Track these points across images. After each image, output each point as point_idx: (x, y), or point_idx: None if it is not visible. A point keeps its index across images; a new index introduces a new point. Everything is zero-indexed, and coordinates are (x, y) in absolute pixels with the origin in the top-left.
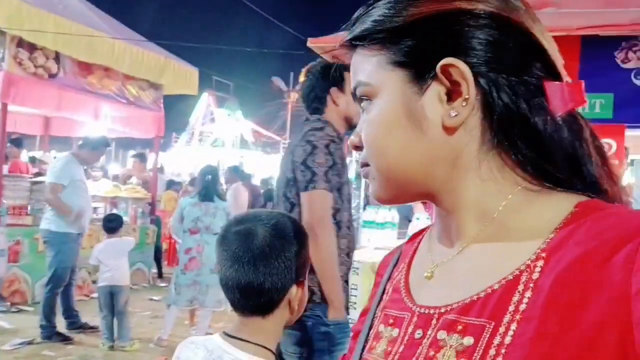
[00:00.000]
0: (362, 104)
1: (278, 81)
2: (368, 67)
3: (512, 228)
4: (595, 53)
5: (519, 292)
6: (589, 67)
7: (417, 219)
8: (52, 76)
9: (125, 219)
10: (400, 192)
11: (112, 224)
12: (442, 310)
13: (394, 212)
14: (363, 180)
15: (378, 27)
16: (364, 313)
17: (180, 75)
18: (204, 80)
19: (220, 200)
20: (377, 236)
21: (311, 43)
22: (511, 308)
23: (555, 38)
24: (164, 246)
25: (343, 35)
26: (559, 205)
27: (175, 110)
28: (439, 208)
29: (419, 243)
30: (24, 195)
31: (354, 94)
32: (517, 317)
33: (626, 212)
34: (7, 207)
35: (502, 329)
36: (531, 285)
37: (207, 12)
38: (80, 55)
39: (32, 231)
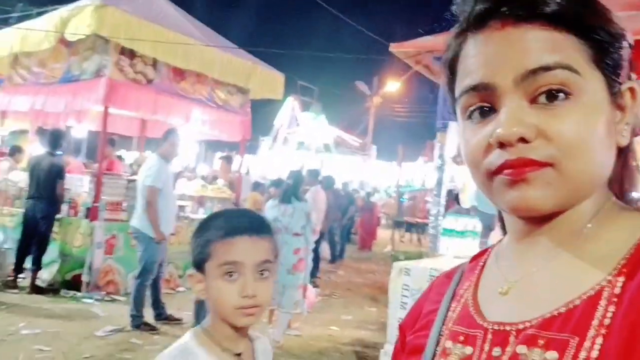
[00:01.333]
0: (538, 92)
1: (362, 85)
2: (573, 54)
3: (594, 245)
4: None
5: (601, 306)
6: None
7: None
8: (149, 81)
9: None
10: (567, 202)
11: None
12: (520, 326)
13: (475, 220)
14: (444, 186)
15: (593, 18)
16: (412, 329)
17: (266, 80)
18: (289, 85)
19: (298, 202)
20: (457, 244)
21: (393, 48)
22: (595, 322)
23: None
24: None
25: (426, 41)
26: (637, 222)
27: (262, 114)
28: (527, 225)
29: (484, 262)
30: (120, 192)
31: (530, 72)
32: (603, 331)
33: None
34: (105, 203)
35: (587, 344)
36: (614, 300)
37: (292, 19)
38: (176, 61)
39: (126, 226)
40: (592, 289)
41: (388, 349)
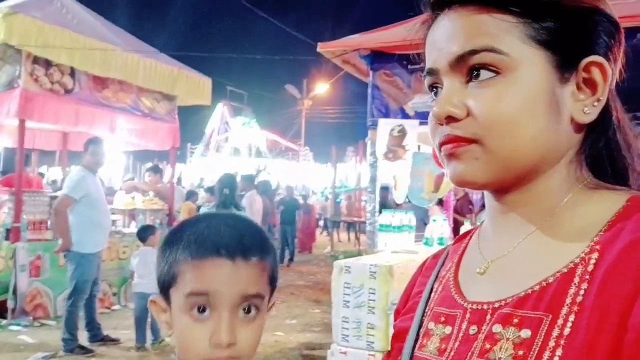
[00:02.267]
0: (472, 73)
1: (292, 89)
2: (501, 35)
3: (568, 223)
4: None
5: (574, 284)
6: None
7: (434, 220)
8: (68, 92)
9: None
10: (500, 178)
11: (143, 234)
12: (496, 305)
13: (410, 214)
14: (378, 183)
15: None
16: (401, 312)
17: (193, 85)
18: (218, 91)
19: (236, 209)
20: (394, 240)
21: (321, 48)
22: (568, 300)
23: None
24: None
25: (352, 40)
26: (613, 200)
27: (190, 122)
28: (499, 205)
29: (467, 243)
30: (43, 210)
31: (460, 57)
32: (575, 308)
33: None
34: (27, 222)
35: (560, 321)
36: (587, 277)
37: (219, 23)
38: (95, 69)
39: (52, 245)
40: (565, 267)
41: (335, 349)
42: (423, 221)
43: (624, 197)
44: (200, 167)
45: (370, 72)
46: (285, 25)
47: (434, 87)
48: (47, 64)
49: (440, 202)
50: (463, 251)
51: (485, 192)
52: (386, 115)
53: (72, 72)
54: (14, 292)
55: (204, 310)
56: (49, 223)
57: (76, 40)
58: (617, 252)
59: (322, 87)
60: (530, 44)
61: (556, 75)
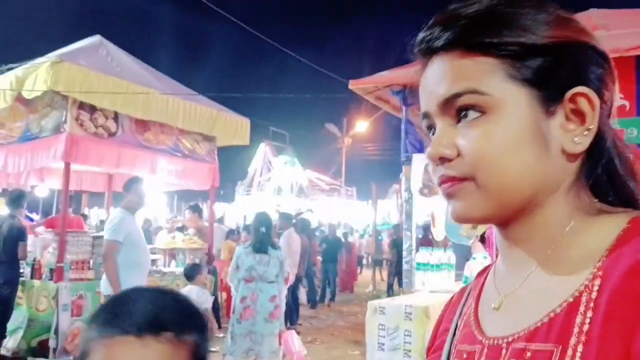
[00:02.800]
0: (461, 114)
1: (332, 127)
2: (484, 77)
3: (571, 252)
4: None
5: (581, 313)
6: None
7: (474, 258)
8: (111, 135)
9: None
10: (497, 212)
11: (191, 272)
12: (510, 339)
13: (449, 252)
14: (413, 220)
15: (514, 39)
16: (431, 351)
17: (232, 126)
18: (261, 131)
19: (274, 250)
20: (432, 279)
21: (352, 85)
22: (575, 330)
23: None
24: (223, 296)
25: (384, 76)
26: (613, 223)
27: (237, 161)
28: (505, 240)
29: (485, 278)
30: (86, 250)
31: (447, 100)
32: (583, 338)
33: None
34: (70, 262)
35: (569, 352)
36: (592, 304)
37: (258, 66)
38: (137, 113)
39: (93, 285)
40: (571, 296)
41: None
42: (466, 259)
43: (625, 219)
44: (243, 206)
45: (403, 108)
46: (322, 65)
47: (430, 129)
48: (92, 108)
49: (483, 239)
50: (482, 286)
51: (494, 228)
52: (420, 150)
53: (116, 116)
54: (56, 331)
55: None
56: (90, 263)
57: (119, 85)
58: (618, 277)
59: (362, 125)
60: (512, 83)
61: (541, 109)
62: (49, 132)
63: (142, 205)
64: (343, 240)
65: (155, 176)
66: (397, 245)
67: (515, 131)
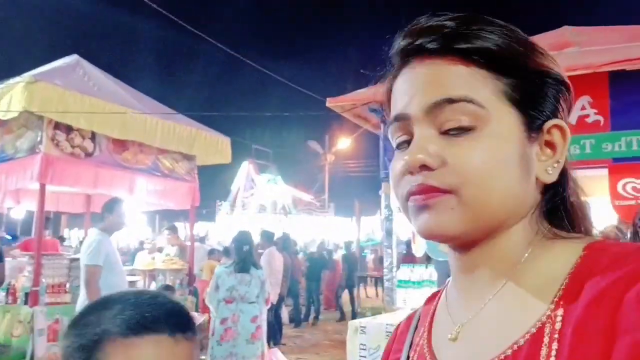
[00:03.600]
0: (446, 123)
1: (314, 144)
2: (479, 88)
3: (530, 279)
4: (626, 88)
5: (545, 345)
6: (620, 103)
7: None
8: (88, 155)
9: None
10: (470, 232)
11: None
12: None
13: (431, 269)
14: (394, 237)
15: (507, 54)
16: None
17: (212, 145)
18: (244, 150)
19: (255, 269)
20: (414, 296)
21: (330, 103)
22: None
23: (582, 76)
24: (205, 317)
25: (360, 94)
26: (570, 250)
27: (219, 180)
28: (461, 263)
29: (436, 305)
30: (62, 273)
31: (436, 104)
32: None
33: (633, 250)
34: (46, 286)
35: None
36: (556, 336)
37: (237, 85)
38: (114, 133)
39: (71, 309)
40: (533, 327)
41: None
42: (447, 275)
43: (580, 246)
44: (227, 225)
45: (381, 125)
46: (302, 82)
47: (398, 135)
48: (69, 128)
49: None
50: (433, 314)
51: (449, 252)
52: None
53: (93, 136)
54: (32, 357)
55: None
56: (67, 286)
57: (96, 105)
58: (582, 308)
59: (344, 142)
60: (503, 101)
61: (525, 134)
62: (24, 153)
63: (122, 227)
64: (327, 257)
65: (134, 196)
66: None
67: (507, 150)
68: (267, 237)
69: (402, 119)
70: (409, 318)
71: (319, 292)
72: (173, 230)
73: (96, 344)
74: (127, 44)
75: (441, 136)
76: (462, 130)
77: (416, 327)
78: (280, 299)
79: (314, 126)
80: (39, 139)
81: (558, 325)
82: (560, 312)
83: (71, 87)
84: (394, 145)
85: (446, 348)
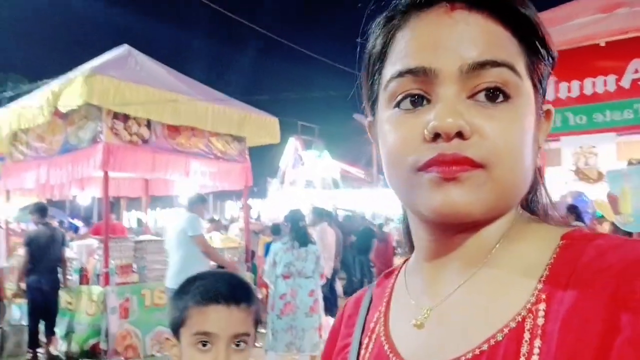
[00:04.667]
0: (480, 89)
1: (359, 117)
2: (516, 56)
3: (506, 263)
4: None
5: (526, 341)
6: None
7: None
8: (145, 142)
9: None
10: (491, 211)
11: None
12: None
13: None
14: None
15: (541, 32)
16: None
17: (261, 125)
18: (290, 127)
19: (311, 244)
20: None
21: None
22: None
23: (633, 39)
24: (263, 292)
25: None
26: (546, 237)
27: (269, 158)
28: (439, 243)
29: (392, 287)
30: (129, 255)
31: (479, 64)
32: None
33: (618, 243)
34: (115, 267)
35: None
36: (539, 332)
37: (283, 68)
38: (168, 119)
39: (139, 288)
40: (512, 321)
41: None
42: None
43: (557, 234)
44: (276, 202)
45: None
46: (344, 61)
47: (408, 94)
48: (125, 117)
49: None
50: (390, 296)
51: (418, 230)
52: None
53: (148, 123)
54: (106, 334)
55: (205, 344)
56: (134, 266)
57: (150, 94)
58: (570, 304)
59: None
60: (528, 77)
61: (537, 110)
62: (86, 143)
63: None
64: (379, 230)
65: (190, 179)
66: None
67: (530, 127)
68: (318, 213)
69: (424, 74)
70: (357, 299)
71: (369, 264)
72: (215, 223)
73: (183, 308)
74: (176, 33)
75: (471, 102)
76: (496, 100)
77: (368, 310)
78: (334, 273)
79: (359, 99)
80: (99, 129)
81: (540, 321)
82: (542, 306)
83: (126, 78)
84: (390, 103)
85: (409, 336)
